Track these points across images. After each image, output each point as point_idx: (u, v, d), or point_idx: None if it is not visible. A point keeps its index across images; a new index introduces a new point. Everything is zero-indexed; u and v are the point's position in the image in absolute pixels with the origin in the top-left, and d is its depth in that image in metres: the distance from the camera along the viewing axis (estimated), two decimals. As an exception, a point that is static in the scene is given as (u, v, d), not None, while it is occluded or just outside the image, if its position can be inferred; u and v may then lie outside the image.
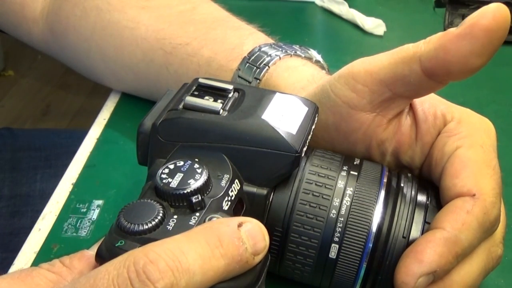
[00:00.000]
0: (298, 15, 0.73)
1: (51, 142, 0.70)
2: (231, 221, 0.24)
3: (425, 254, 0.28)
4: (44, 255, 0.38)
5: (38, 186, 0.64)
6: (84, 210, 0.41)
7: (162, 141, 0.30)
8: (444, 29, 0.66)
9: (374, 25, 0.66)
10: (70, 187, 0.44)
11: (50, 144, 0.69)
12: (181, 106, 0.30)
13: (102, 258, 0.24)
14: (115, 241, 0.24)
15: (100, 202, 0.42)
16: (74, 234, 0.39)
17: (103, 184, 0.44)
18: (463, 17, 0.69)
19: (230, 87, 0.31)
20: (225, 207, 0.26)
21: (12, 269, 0.37)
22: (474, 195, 0.29)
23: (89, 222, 0.40)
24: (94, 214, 0.41)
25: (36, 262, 0.37)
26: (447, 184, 0.30)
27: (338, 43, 0.68)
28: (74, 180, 0.44)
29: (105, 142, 0.48)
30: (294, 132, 0.29)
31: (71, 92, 1.90)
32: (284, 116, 0.30)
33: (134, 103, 0.53)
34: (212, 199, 0.26)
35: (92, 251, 0.27)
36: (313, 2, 0.73)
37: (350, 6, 0.69)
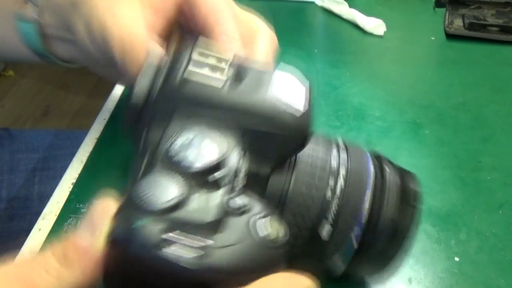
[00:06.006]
0: (298, 15, 0.73)
1: (49, 143, 0.69)
2: None
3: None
4: (44, 255, 0.38)
5: (37, 189, 0.63)
6: (84, 210, 0.41)
7: (161, 110, 0.28)
8: (444, 29, 0.67)
9: (374, 25, 0.66)
10: (70, 187, 0.44)
11: (48, 146, 0.68)
12: (182, 76, 0.28)
13: (120, 243, 0.22)
14: (133, 222, 0.22)
15: (100, 202, 0.42)
16: (74, 234, 0.39)
17: (103, 184, 0.44)
18: (463, 17, 0.69)
19: (228, 57, 0.29)
20: (237, 186, 0.26)
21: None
22: None
23: (89, 222, 0.40)
24: (94, 214, 0.41)
25: (36, 262, 0.37)
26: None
27: (338, 43, 0.67)
28: (74, 180, 0.44)
29: (105, 142, 0.48)
30: (301, 112, 0.28)
31: (71, 92, 1.91)
32: (289, 95, 0.29)
33: (134, 103, 0.53)
34: (225, 176, 0.25)
35: (83, 238, 0.23)
36: (313, 2, 0.73)
37: (350, 6, 0.70)
